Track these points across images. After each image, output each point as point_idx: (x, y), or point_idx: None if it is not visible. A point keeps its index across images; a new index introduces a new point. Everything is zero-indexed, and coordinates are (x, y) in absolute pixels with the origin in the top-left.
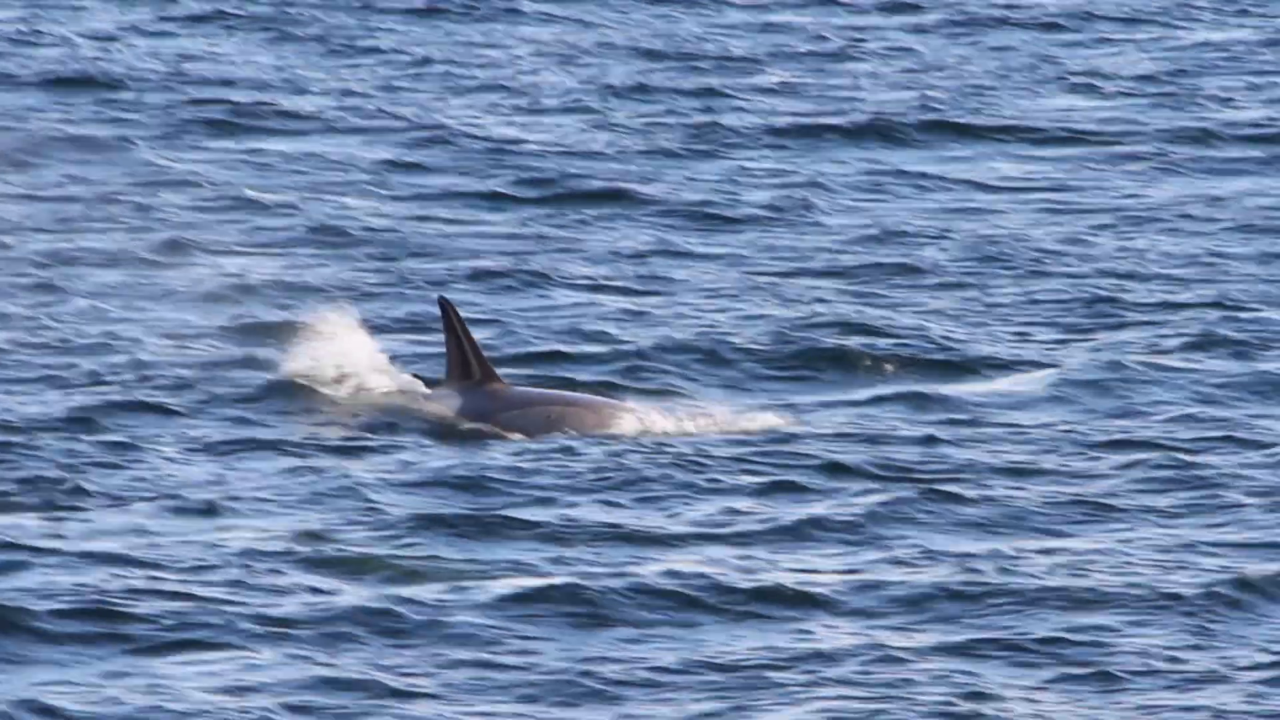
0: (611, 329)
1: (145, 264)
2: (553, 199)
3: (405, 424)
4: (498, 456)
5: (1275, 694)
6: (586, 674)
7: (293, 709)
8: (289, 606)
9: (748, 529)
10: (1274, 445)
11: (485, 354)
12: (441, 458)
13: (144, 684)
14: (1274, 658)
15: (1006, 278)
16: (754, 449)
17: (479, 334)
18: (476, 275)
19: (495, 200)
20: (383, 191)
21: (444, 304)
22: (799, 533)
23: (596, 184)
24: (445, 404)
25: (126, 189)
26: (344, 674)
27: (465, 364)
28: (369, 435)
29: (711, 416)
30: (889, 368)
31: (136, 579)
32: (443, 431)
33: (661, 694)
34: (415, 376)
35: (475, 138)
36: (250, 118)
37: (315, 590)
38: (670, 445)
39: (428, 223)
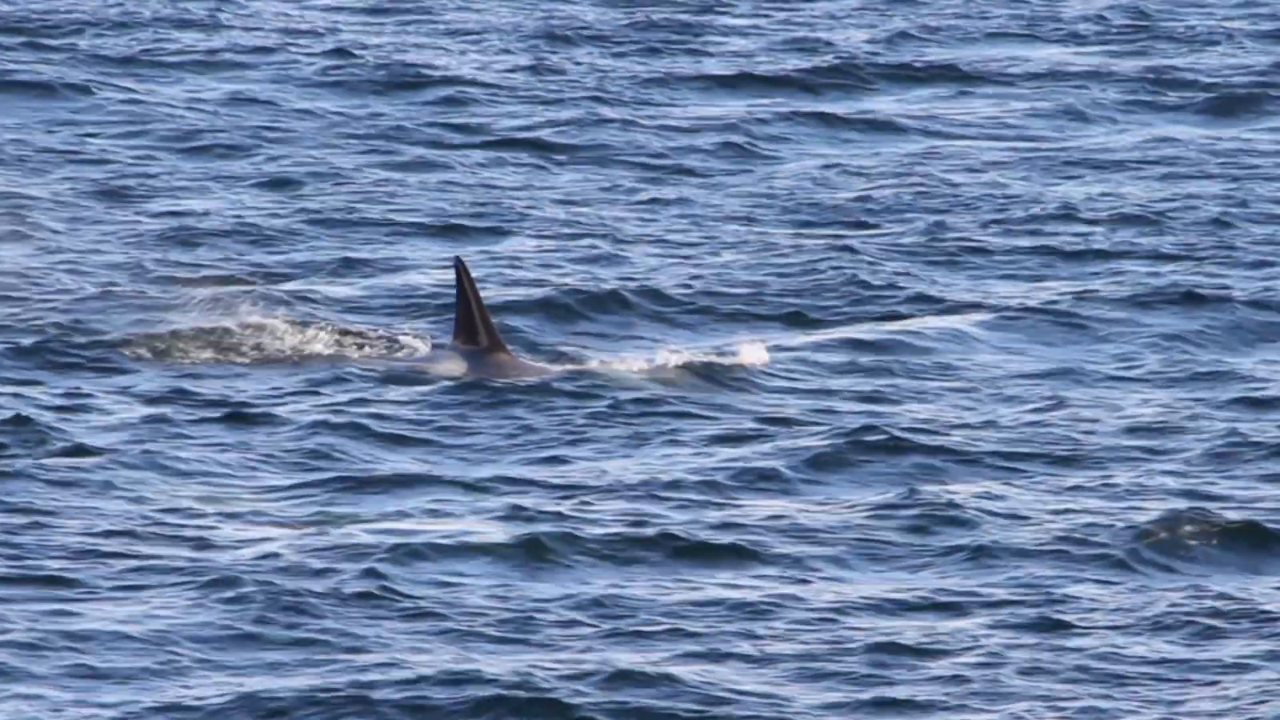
0: (558, 278)
1: (87, 209)
2: (501, 144)
3: (388, 381)
4: (452, 410)
5: (1211, 642)
6: (519, 622)
7: (221, 666)
8: (221, 559)
9: (688, 478)
10: (1214, 393)
11: (449, 311)
12: (406, 413)
13: (65, 633)
14: (1210, 606)
15: (959, 224)
16: (710, 398)
17: (422, 281)
18: (422, 222)
19: (442, 146)
20: (329, 135)
21: (459, 266)
22: (740, 482)
23: (545, 131)
24: (442, 365)
25: (68, 132)
26: (274, 626)
27: (472, 329)
28: (340, 389)
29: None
30: (837, 315)
31: (68, 531)
32: (422, 390)
33: (591, 642)
34: (417, 335)
35: (424, 83)
36: (198, 62)
37: (246, 542)
38: (634, 399)
39: (374, 168)
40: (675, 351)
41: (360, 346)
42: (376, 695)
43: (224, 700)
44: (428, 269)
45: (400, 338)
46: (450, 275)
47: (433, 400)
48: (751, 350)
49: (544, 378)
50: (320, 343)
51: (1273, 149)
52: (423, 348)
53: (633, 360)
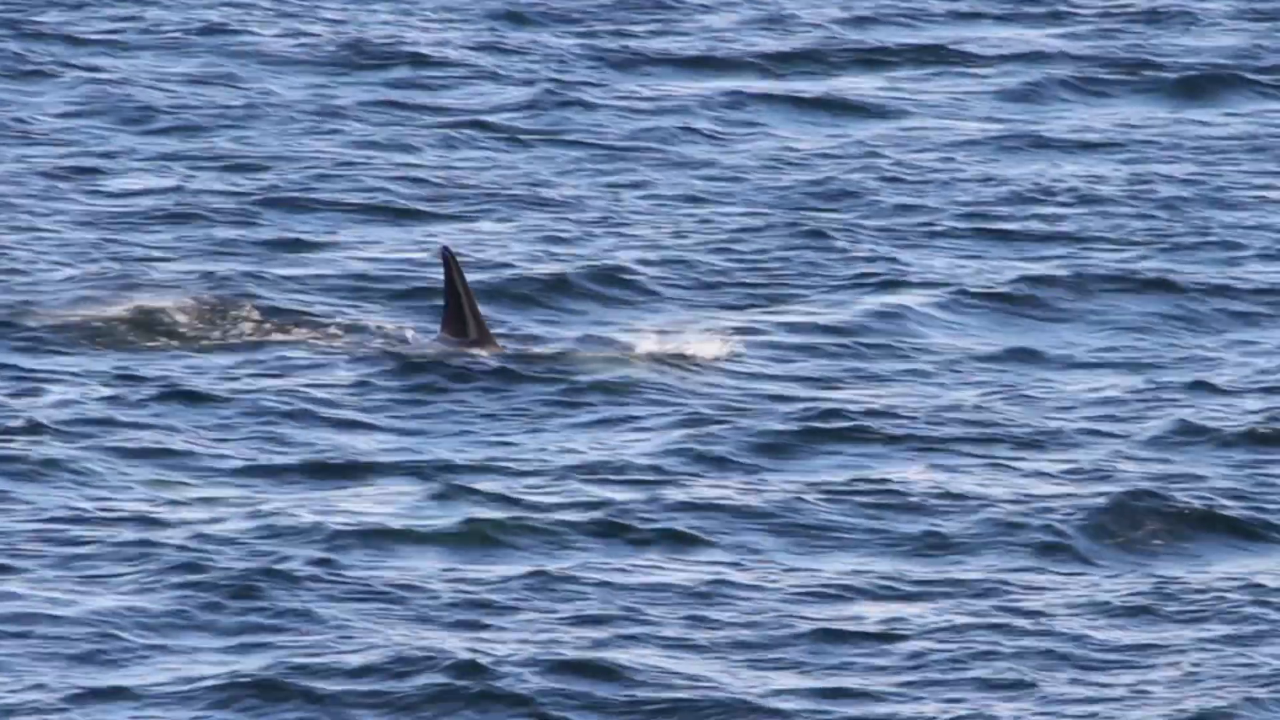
0: (519, 262)
1: (41, 189)
2: (461, 125)
3: (350, 368)
4: (411, 395)
5: (1166, 627)
6: (469, 607)
7: (168, 650)
8: (170, 543)
9: (644, 463)
10: (1175, 379)
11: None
12: (362, 398)
13: (8, 617)
14: (1166, 591)
15: (925, 206)
16: (681, 383)
17: (372, 268)
18: (379, 205)
19: (402, 127)
20: (288, 115)
21: (446, 256)
22: (696, 466)
23: (506, 113)
24: (428, 357)
25: (23, 111)
26: (223, 611)
27: (461, 321)
28: (300, 375)
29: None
30: (801, 298)
31: (14, 516)
32: (379, 375)
33: (541, 627)
34: (406, 327)
35: (385, 63)
36: (156, 41)
37: (195, 525)
38: (602, 385)
39: (333, 149)
40: (665, 336)
41: (333, 334)
42: (324, 680)
43: (169, 685)
44: (385, 252)
45: (371, 325)
46: (410, 258)
47: (389, 385)
48: (709, 338)
49: (530, 369)
50: (288, 329)
51: (1243, 132)
52: (408, 334)
53: (621, 349)
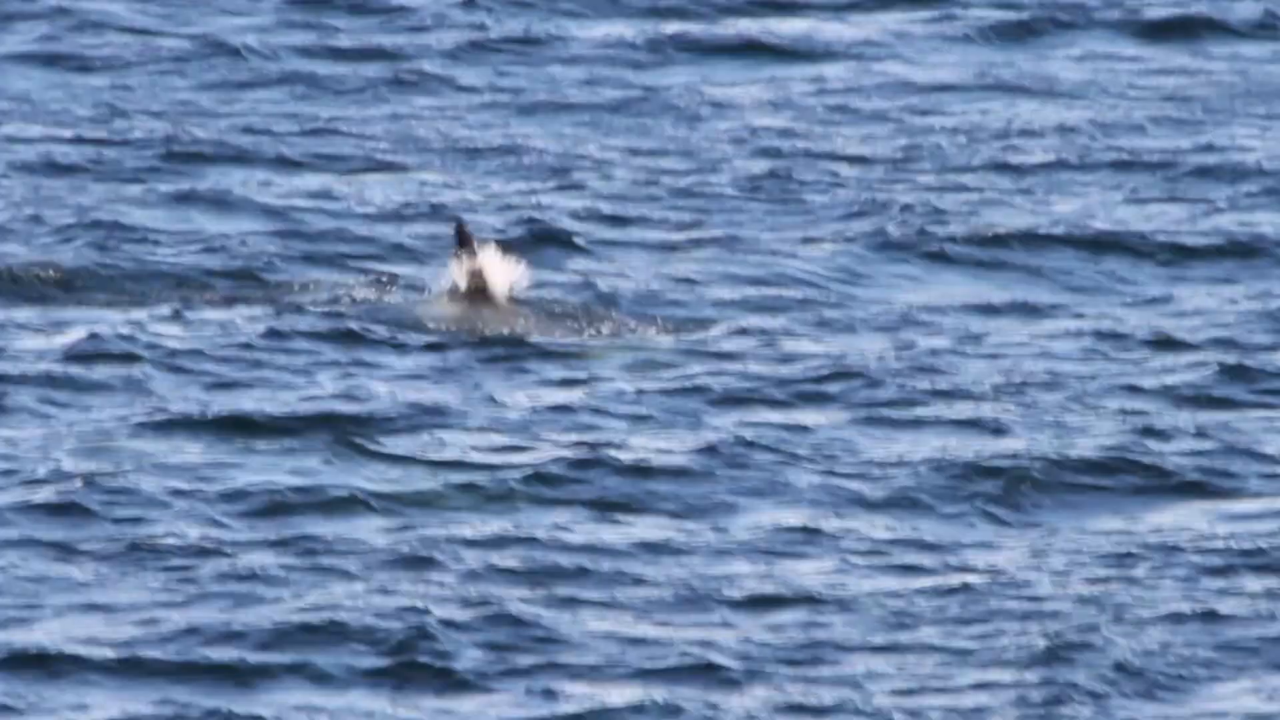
0: (458, 213)
1: None
2: (396, 73)
3: (284, 323)
4: (360, 354)
5: (1105, 585)
6: (402, 565)
7: (90, 609)
8: (95, 508)
9: (583, 420)
10: (1122, 336)
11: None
12: (302, 361)
13: None
14: (1109, 547)
15: (878, 151)
16: (611, 339)
17: (300, 226)
18: (311, 154)
19: (333, 73)
20: (220, 61)
21: (459, 227)
22: (635, 424)
23: (442, 63)
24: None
25: None
26: (148, 576)
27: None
28: (234, 333)
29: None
30: (752, 245)
31: None
32: (322, 333)
33: (482, 587)
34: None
35: (319, 7)
36: None
37: (106, 482)
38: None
39: (265, 100)
40: (608, 291)
41: (267, 290)
42: (250, 645)
43: (93, 650)
44: (327, 204)
45: (324, 280)
46: (352, 211)
47: (326, 345)
48: (652, 292)
49: (473, 326)
50: (220, 285)
51: (1216, 79)
52: (406, 300)
53: (563, 305)
